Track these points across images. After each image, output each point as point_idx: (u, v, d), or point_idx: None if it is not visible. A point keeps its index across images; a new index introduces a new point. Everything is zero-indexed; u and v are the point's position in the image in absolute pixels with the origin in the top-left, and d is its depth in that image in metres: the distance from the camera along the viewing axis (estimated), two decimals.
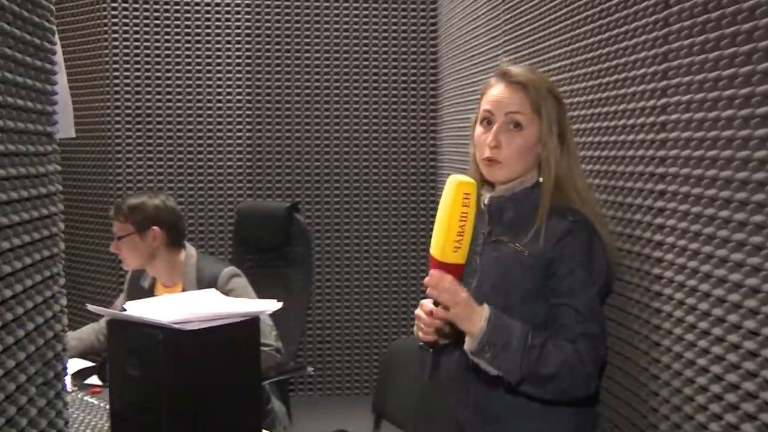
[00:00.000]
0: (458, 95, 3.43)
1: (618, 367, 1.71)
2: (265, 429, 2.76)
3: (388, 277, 4.01)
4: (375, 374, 3.77)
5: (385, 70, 3.99)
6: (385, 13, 3.97)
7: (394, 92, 3.99)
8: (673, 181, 1.46)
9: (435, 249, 1.56)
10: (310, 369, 2.99)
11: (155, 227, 2.54)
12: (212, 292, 1.73)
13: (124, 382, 1.48)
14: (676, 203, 1.45)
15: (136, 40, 3.77)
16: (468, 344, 1.56)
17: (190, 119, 3.86)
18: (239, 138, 3.89)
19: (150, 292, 2.69)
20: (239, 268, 3.31)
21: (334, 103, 3.96)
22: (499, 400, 1.62)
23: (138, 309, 1.53)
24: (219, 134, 3.88)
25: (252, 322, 1.53)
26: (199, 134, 3.87)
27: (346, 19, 3.95)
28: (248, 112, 3.90)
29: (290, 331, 3.02)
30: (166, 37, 3.81)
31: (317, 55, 3.94)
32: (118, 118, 3.78)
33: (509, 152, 1.62)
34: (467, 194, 1.53)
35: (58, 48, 1.20)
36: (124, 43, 3.75)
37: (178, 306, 1.51)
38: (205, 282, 2.54)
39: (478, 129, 1.67)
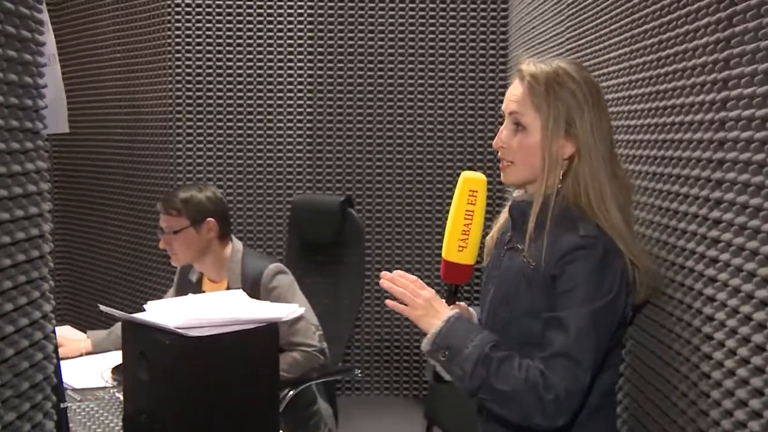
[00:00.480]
0: None
1: (663, 393, 1.56)
2: (309, 431, 2.73)
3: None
4: (425, 376, 3.68)
5: (452, 66, 3.86)
6: (453, 6, 3.84)
7: (461, 89, 3.86)
8: (731, 189, 1.31)
9: (443, 247, 1.51)
10: (357, 372, 2.91)
11: (210, 219, 2.52)
12: (240, 295, 1.67)
13: (136, 386, 1.43)
14: (733, 214, 1.29)
15: (198, 29, 3.78)
16: (423, 343, 1.48)
17: (250, 110, 3.85)
18: (299, 129, 3.86)
19: (197, 287, 2.68)
20: (291, 262, 3.27)
21: (397, 99, 3.87)
22: None
23: (154, 311, 1.48)
24: (279, 125, 3.86)
25: (269, 329, 1.46)
26: (259, 125, 3.85)
27: (412, 12, 3.84)
28: (309, 109, 3.85)
29: (339, 330, 2.95)
30: (228, 33, 3.81)
31: (381, 50, 3.86)
32: (179, 115, 3.81)
33: (513, 153, 1.52)
34: (473, 191, 1.47)
35: (51, 40, 1.16)
36: (186, 32, 3.77)
37: (193, 310, 1.46)
38: (249, 278, 2.50)
39: None
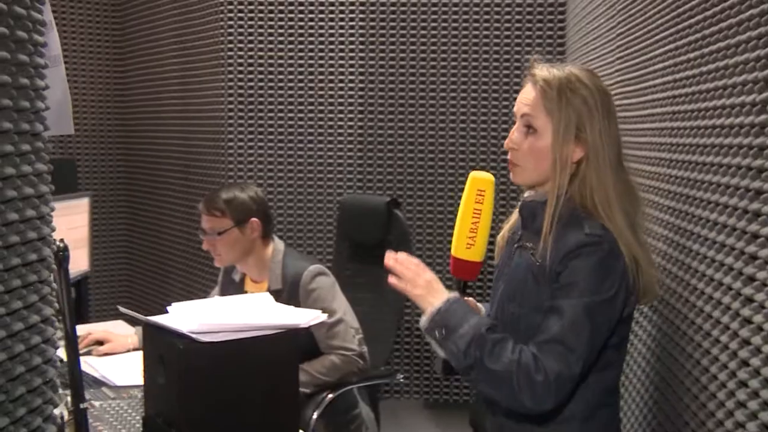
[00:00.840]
0: None
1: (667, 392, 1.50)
2: None
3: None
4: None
5: (506, 71, 3.75)
6: (508, 9, 3.74)
7: (514, 93, 3.72)
8: None
9: (452, 244, 1.57)
10: (400, 376, 2.86)
11: (254, 219, 2.50)
12: (266, 299, 1.64)
13: (153, 389, 1.42)
14: None
15: (250, 33, 3.79)
16: (421, 321, 1.53)
17: (301, 114, 3.84)
18: (350, 128, 3.83)
19: (240, 286, 2.67)
20: (338, 263, 3.25)
21: (450, 98, 3.79)
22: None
23: (175, 313, 1.46)
24: (329, 129, 3.83)
25: (289, 335, 1.42)
26: (310, 128, 3.84)
27: (465, 16, 3.75)
28: (359, 110, 3.82)
29: (382, 333, 2.91)
30: (280, 35, 3.80)
31: (434, 48, 3.79)
32: (231, 113, 3.83)
33: (522, 155, 1.54)
34: (481, 191, 1.52)
35: (55, 40, 1.15)
36: (239, 37, 3.79)
37: (211, 314, 1.43)
38: (289, 279, 2.47)
39: None
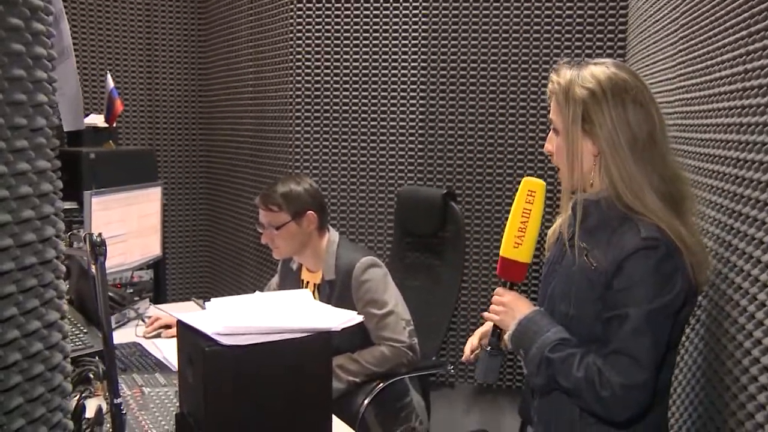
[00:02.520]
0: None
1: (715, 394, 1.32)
2: (400, 423, 2.53)
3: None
4: (519, 371, 3.36)
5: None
6: (570, 4, 3.46)
7: None
8: None
9: (501, 244, 1.51)
10: (450, 367, 2.68)
11: (310, 211, 2.36)
12: (304, 296, 1.48)
13: (185, 387, 1.29)
14: None
15: (318, 30, 3.67)
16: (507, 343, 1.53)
17: (365, 102, 3.69)
18: (412, 121, 3.65)
19: (297, 275, 2.55)
20: (396, 255, 3.08)
21: (510, 98, 3.54)
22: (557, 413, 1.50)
23: (211, 310, 1.32)
24: (392, 117, 3.66)
25: (321, 337, 1.26)
26: (374, 117, 3.68)
27: (527, 12, 3.50)
28: (422, 102, 3.63)
29: (436, 324, 2.73)
30: (346, 33, 3.65)
31: (494, 42, 3.55)
32: (299, 107, 3.71)
33: (556, 158, 1.50)
34: (532, 191, 1.47)
35: (66, 32, 1.01)
36: (307, 27, 3.66)
37: (241, 315, 1.29)
38: (342, 270, 2.33)
39: None
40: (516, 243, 1.47)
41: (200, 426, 1.21)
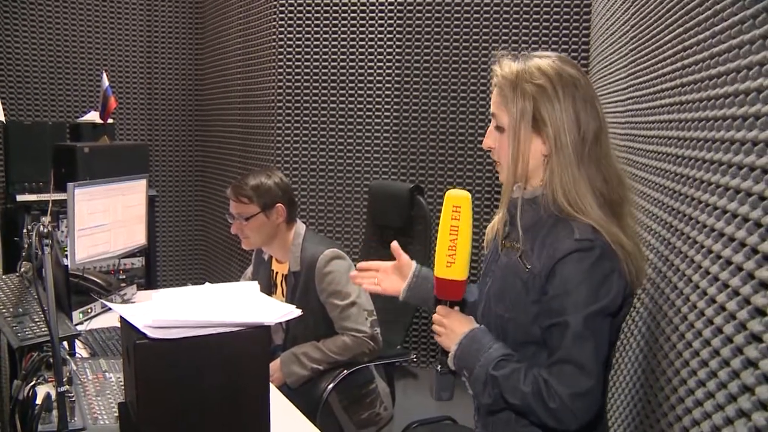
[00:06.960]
0: (605, 88, 2.80)
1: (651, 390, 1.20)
2: (365, 409, 2.45)
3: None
4: None
5: None
6: (536, 7, 3.37)
7: None
8: None
9: (434, 265, 1.34)
10: (413, 356, 2.59)
11: (279, 204, 2.28)
12: (250, 289, 1.38)
13: (127, 378, 1.21)
14: None
15: (299, 31, 3.58)
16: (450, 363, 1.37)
17: (342, 101, 3.60)
18: (386, 120, 3.56)
19: (268, 265, 2.46)
20: (368, 246, 2.99)
21: (471, 94, 3.46)
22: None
23: (154, 302, 1.24)
24: (368, 114, 3.58)
25: (258, 332, 1.17)
26: (350, 114, 3.60)
27: (496, 15, 3.41)
28: (395, 101, 3.54)
29: (402, 313, 2.65)
30: (325, 37, 3.56)
31: (461, 47, 3.46)
32: (280, 104, 3.63)
33: (497, 154, 1.35)
34: (456, 207, 1.29)
35: None
36: (288, 29, 3.57)
37: (174, 308, 1.20)
38: (306, 262, 2.24)
39: None
40: (448, 262, 1.31)
41: (138, 417, 1.13)
